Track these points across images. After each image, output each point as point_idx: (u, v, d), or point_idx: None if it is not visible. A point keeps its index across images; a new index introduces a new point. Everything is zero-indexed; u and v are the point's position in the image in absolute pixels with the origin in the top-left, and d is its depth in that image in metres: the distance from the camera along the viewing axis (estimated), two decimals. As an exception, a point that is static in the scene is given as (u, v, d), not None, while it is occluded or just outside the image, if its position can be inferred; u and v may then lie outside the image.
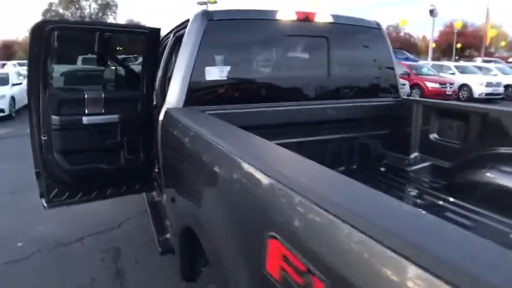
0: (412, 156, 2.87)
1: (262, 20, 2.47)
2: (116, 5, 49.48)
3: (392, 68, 2.96)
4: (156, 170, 2.97)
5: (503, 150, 2.34)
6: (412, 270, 0.59)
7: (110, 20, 46.78)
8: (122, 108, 2.81)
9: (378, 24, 2.85)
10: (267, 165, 1.04)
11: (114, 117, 2.77)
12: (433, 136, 2.79)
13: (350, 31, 2.76)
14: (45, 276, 2.98)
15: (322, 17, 2.55)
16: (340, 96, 2.73)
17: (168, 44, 3.02)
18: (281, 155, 1.22)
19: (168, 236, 2.57)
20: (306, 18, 2.53)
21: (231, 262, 1.15)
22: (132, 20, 46.86)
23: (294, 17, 2.51)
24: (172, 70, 2.26)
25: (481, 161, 2.42)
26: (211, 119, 1.90)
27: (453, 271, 0.56)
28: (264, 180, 0.98)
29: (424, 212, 0.81)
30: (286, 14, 2.47)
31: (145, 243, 3.54)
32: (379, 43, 2.86)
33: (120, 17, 49.31)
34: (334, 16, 2.62)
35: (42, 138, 2.68)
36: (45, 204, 2.88)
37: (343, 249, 0.72)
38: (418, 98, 2.99)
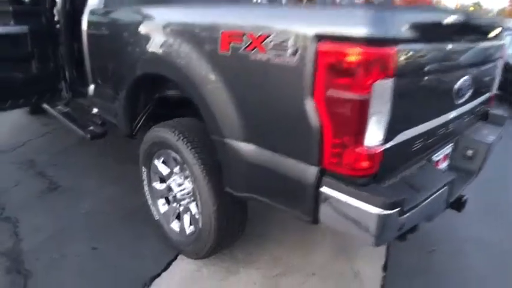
0: None
1: None
2: None
3: None
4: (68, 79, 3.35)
5: None
6: None
7: None
8: (29, 20, 3.07)
9: None
10: None
11: (24, 28, 3.02)
12: None
13: None
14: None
15: None
16: None
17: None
18: None
19: (91, 127, 3.08)
20: None
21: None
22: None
23: None
24: None
25: None
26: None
27: None
28: None
29: None
30: None
31: (59, 153, 3.86)
32: None
33: None
34: None
35: None
36: None
37: None
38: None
